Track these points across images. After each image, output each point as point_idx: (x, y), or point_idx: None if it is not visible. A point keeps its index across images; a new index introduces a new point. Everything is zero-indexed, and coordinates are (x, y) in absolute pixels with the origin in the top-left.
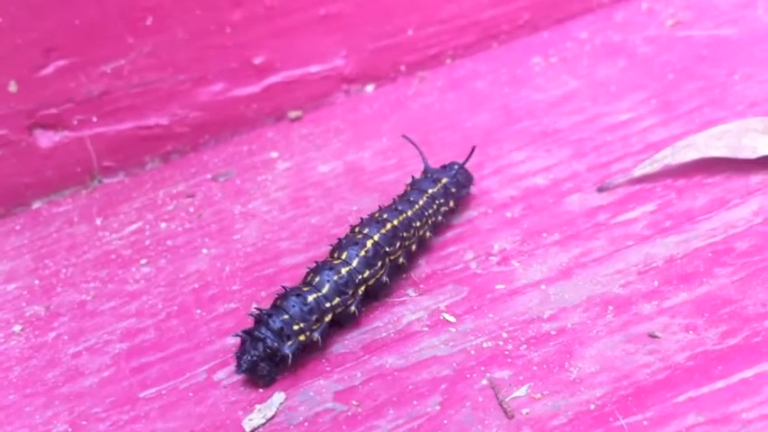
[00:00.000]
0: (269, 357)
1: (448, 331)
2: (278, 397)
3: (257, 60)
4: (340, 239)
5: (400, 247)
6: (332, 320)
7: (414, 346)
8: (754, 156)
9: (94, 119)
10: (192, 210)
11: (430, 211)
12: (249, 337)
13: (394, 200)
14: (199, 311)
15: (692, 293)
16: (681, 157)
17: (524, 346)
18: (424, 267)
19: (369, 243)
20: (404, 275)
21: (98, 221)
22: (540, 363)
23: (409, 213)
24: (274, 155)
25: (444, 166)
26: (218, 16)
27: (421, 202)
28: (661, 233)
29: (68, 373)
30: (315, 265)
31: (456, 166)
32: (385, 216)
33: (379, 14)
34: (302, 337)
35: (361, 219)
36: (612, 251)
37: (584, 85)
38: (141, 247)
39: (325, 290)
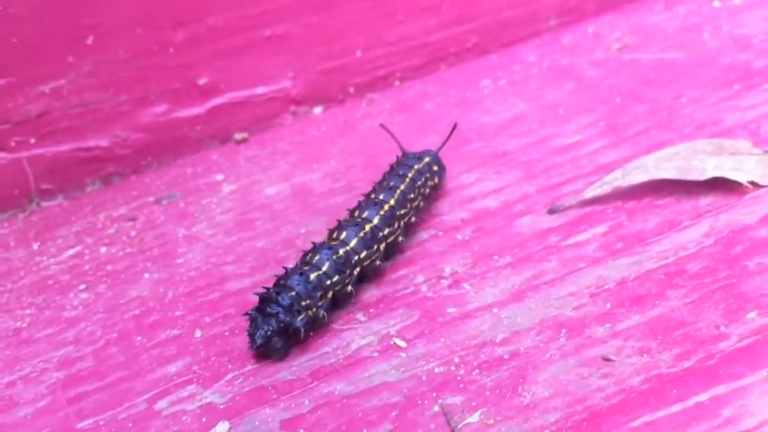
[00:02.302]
0: (282, 332)
1: (398, 356)
2: (222, 426)
3: (201, 81)
4: (339, 221)
5: (398, 226)
6: (333, 298)
7: (363, 371)
8: (702, 178)
9: (32, 140)
10: (133, 233)
11: (419, 182)
12: (260, 315)
13: (384, 177)
14: (139, 338)
15: (645, 316)
16: (631, 179)
17: (477, 370)
18: (374, 291)
19: (367, 227)
20: (352, 300)
21: (35, 246)
22: (493, 388)
23: (402, 188)
24: (219, 177)
25: (421, 151)
26: (161, 36)
27: (411, 175)
28: (613, 255)
29: (2, 403)
30: (313, 245)
31: (433, 151)
32: (381, 197)
33: (327, 36)
34: (310, 313)
35: (359, 202)
36: (564, 273)
37: (533, 108)
38: (80, 273)
39: (325, 268)
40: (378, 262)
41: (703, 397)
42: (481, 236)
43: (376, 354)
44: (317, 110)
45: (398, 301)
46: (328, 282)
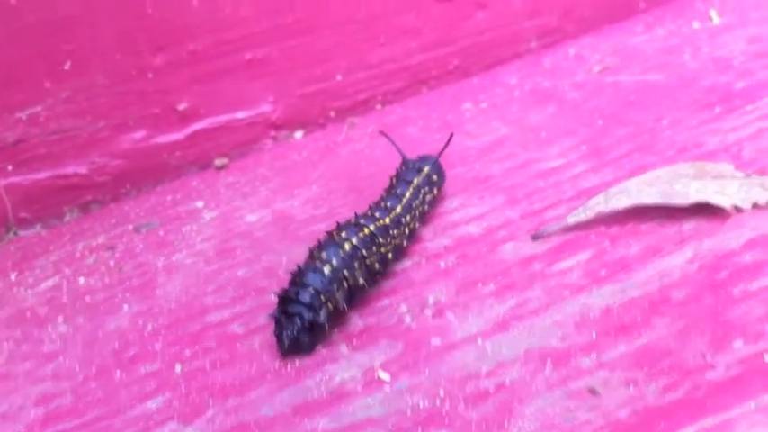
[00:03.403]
0: (307, 329)
1: (382, 390)
2: None
3: (181, 106)
4: (339, 223)
5: (390, 242)
6: (349, 292)
7: (347, 406)
8: (686, 202)
9: (9, 168)
10: (112, 263)
11: (416, 201)
12: (283, 316)
13: (381, 196)
14: (118, 373)
15: (631, 345)
16: (614, 204)
17: (462, 404)
18: (357, 321)
19: (366, 230)
20: (336, 329)
21: (12, 277)
22: (479, 422)
23: (398, 209)
24: (199, 204)
25: (421, 158)
26: (140, 61)
27: (408, 194)
28: (597, 282)
29: None
30: (318, 242)
31: (433, 158)
32: (377, 215)
33: (307, 60)
34: (330, 305)
35: (355, 213)
36: (549, 302)
37: (515, 132)
38: (58, 304)
39: (335, 262)
40: (377, 265)
41: (690, 430)
42: (464, 263)
43: (359, 388)
44: (298, 134)
45: (382, 331)
46: (340, 274)
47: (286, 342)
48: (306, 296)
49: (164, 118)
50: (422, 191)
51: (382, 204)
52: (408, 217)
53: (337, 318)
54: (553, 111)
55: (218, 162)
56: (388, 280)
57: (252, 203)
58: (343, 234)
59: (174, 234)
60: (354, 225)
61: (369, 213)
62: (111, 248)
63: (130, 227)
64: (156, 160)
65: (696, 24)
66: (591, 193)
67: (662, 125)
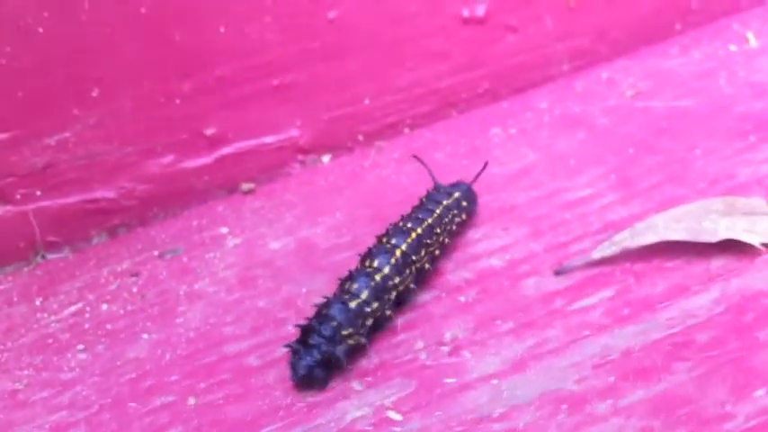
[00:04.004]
0: (324, 362)
1: (393, 431)
2: None
3: (208, 131)
4: (370, 248)
5: (425, 253)
6: (374, 324)
7: None
8: (714, 239)
9: (38, 192)
10: (135, 290)
11: (446, 219)
12: (302, 347)
13: (413, 209)
14: (133, 404)
15: (649, 391)
16: (640, 239)
17: None
18: (372, 357)
19: (397, 252)
20: (350, 364)
21: (38, 302)
22: None
23: (430, 221)
24: (224, 230)
25: (453, 184)
26: (167, 87)
27: (438, 211)
28: (619, 322)
29: None
30: (349, 273)
31: (465, 185)
32: (409, 225)
33: (335, 84)
34: (351, 341)
35: (387, 228)
36: (568, 342)
37: (543, 159)
38: (80, 331)
39: (364, 296)
40: (411, 285)
41: None
42: (485, 298)
43: (370, 427)
44: (326, 158)
45: (396, 368)
46: (368, 309)
47: (301, 372)
48: (327, 329)
49: (191, 143)
50: (451, 212)
51: (411, 220)
52: (438, 230)
53: (356, 352)
54: (583, 137)
55: (244, 187)
56: (407, 314)
57: (276, 230)
58: (375, 263)
59: (198, 261)
60: (385, 251)
61: (397, 229)
62: (136, 274)
63: (155, 252)
64: (184, 185)
65: (733, 47)
66: (618, 225)
67: (694, 154)
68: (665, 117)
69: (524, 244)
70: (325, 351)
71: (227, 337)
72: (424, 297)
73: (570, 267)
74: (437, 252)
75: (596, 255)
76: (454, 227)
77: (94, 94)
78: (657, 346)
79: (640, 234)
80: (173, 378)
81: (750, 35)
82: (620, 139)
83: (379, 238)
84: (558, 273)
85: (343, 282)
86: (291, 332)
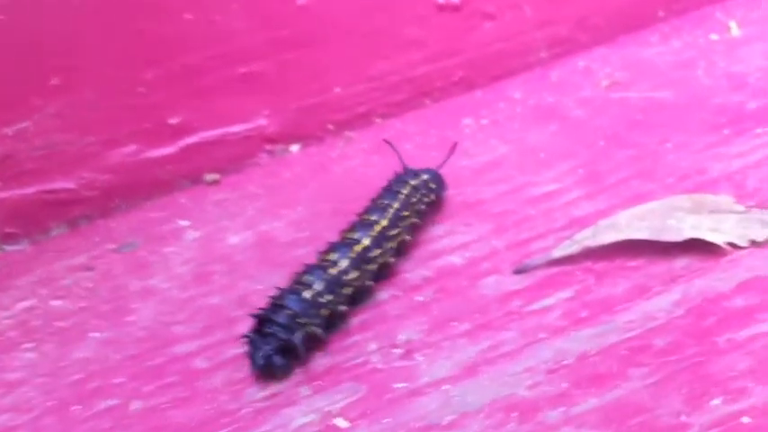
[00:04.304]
0: (282, 350)
1: None
2: None
3: (173, 121)
4: (331, 243)
5: (389, 248)
6: (328, 317)
7: None
8: (679, 239)
9: None
10: (89, 285)
11: (414, 199)
12: (258, 336)
13: (379, 194)
14: (77, 408)
15: (603, 399)
16: (602, 238)
17: None
18: (322, 359)
19: (357, 247)
20: (298, 369)
21: None
22: None
23: (396, 206)
24: (185, 223)
25: (421, 169)
26: (130, 76)
27: (405, 192)
28: (576, 325)
29: None
30: (305, 266)
31: (433, 170)
32: (373, 218)
33: (305, 72)
34: (308, 329)
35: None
36: (523, 345)
37: (513, 151)
38: (30, 328)
39: (317, 286)
40: (368, 282)
41: None
42: (442, 297)
43: None
44: (294, 148)
45: (346, 372)
46: (322, 300)
47: (259, 363)
48: (282, 317)
49: (155, 132)
50: (419, 192)
51: (379, 202)
52: (407, 212)
53: (313, 344)
54: (555, 129)
55: (208, 178)
56: (362, 313)
57: (237, 224)
58: (332, 256)
59: (155, 255)
60: (343, 246)
61: (361, 224)
62: (90, 269)
63: (112, 246)
64: (147, 175)
65: (714, 36)
66: (582, 222)
67: (665, 148)
68: (640, 109)
69: (486, 241)
70: (283, 339)
71: (176, 337)
72: (382, 296)
73: (530, 266)
74: (407, 237)
75: (557, 254)
76: (423, 206)
77: (54, 82)
78: (614, 350)
79: (602, 232)
80: (118, 380)
81: (733, 24)
82: (592, 132)
83: (342, 234)
84: (517, 272)
85: (297, 274)
86: (242, 332)
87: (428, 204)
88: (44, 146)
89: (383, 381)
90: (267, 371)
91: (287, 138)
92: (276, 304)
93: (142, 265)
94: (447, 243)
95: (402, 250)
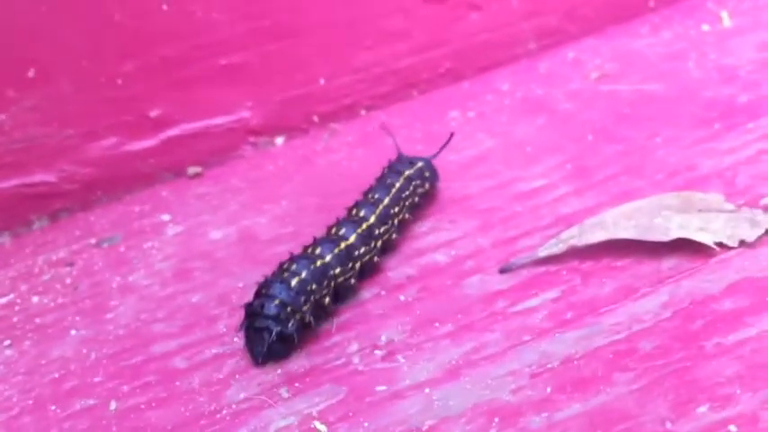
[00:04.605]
0: (277, 340)
1: None
2: None
3: (153, 113)
4: (315, 238)
5: (373, 246)
6: (315, 305)
7: None
8: (666, 238)
9: None
10: (68, 281)
11: (407, 192)
12: (252, 330)
13: (371, 186)
14: (53, 408)
15: (587, 404)
16: (588, 237)
17: None
18: (303, 361)
19: (342, 244)
20: (278, 371)
21: None
22: None
23: (386, 201)
24: (166, 218)
25: (415, 156)
26: (108, 68)
27: (398, 185)
28: (561, 327)
29: None
30: (290, 255)
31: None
32: (363, 213)
33: (288, 64)
34: (298, 317)
35: (337, 219)
36: (507, 347)
37: (500, 145)
38: (8, 325)
39: (304, 274)
40: (353, 280)
41: None
42: (426, 297)
43: None
44: (279, 140)
45: (327, 374)
46: (308, 288)
47: (260, 358)
48: (272, 308)
49: (135, 125)
50: (413, 183)
51: (370, 197)
52: (396, 209)
53: (305, 331)
54: (542, 123)
55: (190, 171)
56: (344, 313)
57: (219, 218)
58: (318, 250)
59: (135, 251)
60: (330, 241)
61: (350, 217)
62: (70, 264)
63: (93, 240)
64: (128, 168)
65: (705, 27)
66: (569, 220)
67: (655, 143)
68: (629, 102)
69: (472, 238)
70: (275, 331)
71: (156, 336)
72: (364, 295)
73: (515, 266)
74: (406, 216)
75: (542, 253)
76: (416, 199)
77: (30, 74)
78: (599, 353)
79: (589, 231)
80: (96, 379)
81: (724, 14)
82: (580, 126)
83: (329, 229)
84: (502, 271)
85: (282, 263)
86: (222, 331)
87: (421, 196)
88: (22, 139)
89: (364, 383)
90: (269, 359)
91: (271, 130)
92: (264, 294)
93: (122, 261)
94: (432, 240)
95: (388, 248)
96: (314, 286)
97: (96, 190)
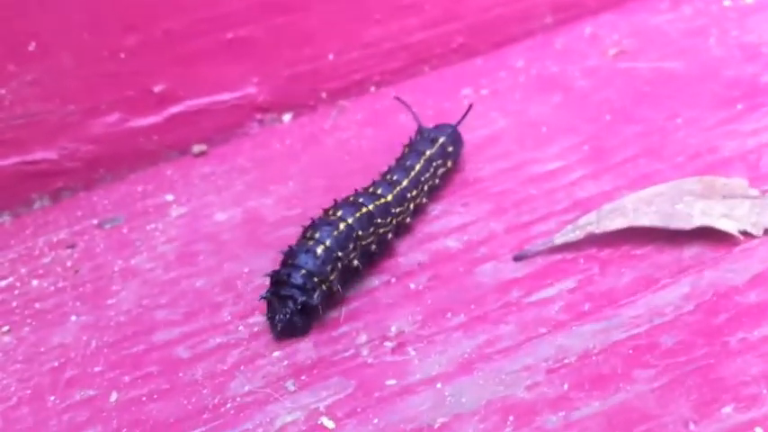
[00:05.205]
0: (300, 311)
1: None
2: None
3: (157, 88)
4: (336, 200)
5: (395, 216)
6: (342, 271)
7: None
8: (688, 227)
9: None
10: (69, 264)
11: (427, 175)
12: (276, 298)
13: (390, 167)
14: (53, 398)
15: (606, 403)
16: (606, 224)
17: None
18: (310, 352)
19: (363, 209)
20: (285, 362)
21: None
22: None
23: (405, 183)
24: (170, 198)
25: (437, 126)
26: (111, 41)
27: (418, 166)
28: (578, 319)
29: None
30: (312, 221)
31: (450, 128)
32: (379, 191)
33: (296, 39)
34: (324, 287)
35: (355, 190)
36: (522, 340)
37: (514, 125)
38: (7, 310)
39: (329, 242)
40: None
41: None
42: (437, 285)
43: None
44: (286, 117)
45: (335, 366)
46: (334, 255)
47: (279, 326)
48: (298, 278)
49: (139, 100)
50: (434, 163)
51: (388, 177)
52: (415, 192)
53: (332, 299)
54: (558, 101)
55: (195, 149)
56: (352, 302)
57: (224, 199)
58: (339, 213)
59: (138, 232)
60: (352, 204)
61: (371, 190)
62: (72, 246)
63: (95, 221)
64: (131, 145)
65: (727, 2)
66: (586, 205)
67: (675, 124)
68: (648, 80)
69: (485, 223)
70: (300, 301)
71: (158, 323)
72: (373, 282)
73: (530, 253)
74: (423, 200)
75: (558, 240)
76: (437, 180)
77: (30, 48)
78: (618, 348)
79: (607, 217)
80: (97, 369)
81: None
82: (597, 105)
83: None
84: (517, 258)
85: (305, 228)
86: (227, 320)
87: (443, 174)
88: (23, 115)
89: (373, 376)
90: (288, 333)
91: (278, 107)
92: (290, 263)
93: (125, 243)
94: (443, 225)
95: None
96: (340, 252)
97: (99, 168)
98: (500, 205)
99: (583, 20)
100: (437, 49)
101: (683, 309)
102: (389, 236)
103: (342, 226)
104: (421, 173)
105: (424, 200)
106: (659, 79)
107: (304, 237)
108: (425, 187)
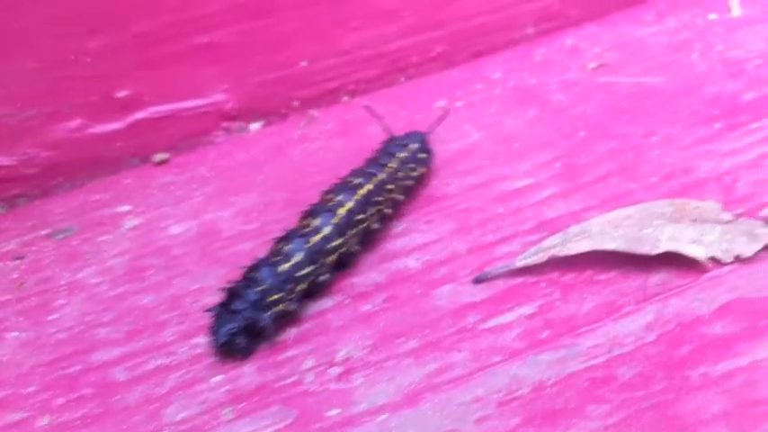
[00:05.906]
0: (247, 330)
1: None
2: None
3: (121, 94)
4: (312, 205)
5: (373, 213)
6: (307, 290)
7: None
8: (654, 252)
9: None
10: (15, 275)
11: (401, 174)
12: (224, 311)
13: (366, 162)
14: None
15: None
16: (572, 247)
17: None
18: (253, 376)
19: (341, 211)
20: (225, 387)
21: None
22: None
23: (382, 176)
24: (125, 208)
25: (408, 134)
26: (75, 44)
27: (393, 165)
28: (535, 347)
29: None
30: (285, 233)
31: (422, 135)
32: (359, 181)
33: (269, 44)
34: (280, 307)
35: (334, 184)
36: (475, 369)
37: (487, 139)
38: None
39: (297, 258)
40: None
41: None
42: (392, 308)
43: None
44: (255, 126)
45: (277, 393)
46: (301, 273)
47: (221, 339)
48: (252, 294)
49: (102, 106)
50: (407, 167)
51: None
52: (390, 186)
53: (287, 320)
54: (533, 115)
55: (157, 157)
56: (302, 324)
57: (181, 211)
58: (316, 221)
59: (89, 244)
60: (327, 210)
61: (344, 185)
62: (20, 258)
63: (47, 231)
64: (92, 152)
65: (713, 15)
66: (553, 225)
67: (651, 142)
68: (627, 95)
69: (447, 242)
70: (249, 318)
71: (98, 342)
72: (326, 303)
73: (491, 275)
74: (387, 211)
75: (521, 262)
76: (409, 182)
77: None
78: (574, 380)
79: (572, 240)
80: (30, 389)
81: (734, 2)
82: (573, 120)
83: (324, 195)
84: (477, 281)
85: (277, 240)
86: (169, 340)
87: (415, 179)
88: None
89: (315, 405)
90: (228, 350)
91: (246, 115)
92: (250, 276)
93: (74, 256)
94: (404, 243)
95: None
96: (309, 269)
97: (57, 176)
98: (464, 224)
99: (564, 31)
100: (414, 57)
101: (645, 339)
102: (357, 247)
103: (316, 238)
104: (396, 171)
105: (401, 197)
106: (638, 94)
107: (274, 250)
108: (398, 185)
